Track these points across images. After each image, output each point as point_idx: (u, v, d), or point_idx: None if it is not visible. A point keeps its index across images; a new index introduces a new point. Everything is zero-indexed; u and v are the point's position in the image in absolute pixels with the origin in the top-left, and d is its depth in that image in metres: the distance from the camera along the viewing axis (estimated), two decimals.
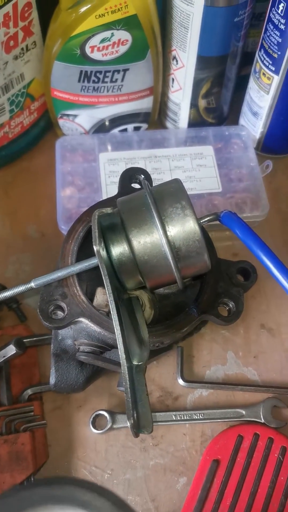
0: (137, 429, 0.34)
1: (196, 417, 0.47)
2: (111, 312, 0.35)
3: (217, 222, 0.54)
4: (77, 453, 0.46)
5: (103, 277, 0.36)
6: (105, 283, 0.36)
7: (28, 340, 0.48)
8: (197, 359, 0.50)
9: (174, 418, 0.47)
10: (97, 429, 0.46)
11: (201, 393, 0.49)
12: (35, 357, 0.49)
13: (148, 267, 0.39)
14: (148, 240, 0.38)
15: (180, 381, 0.49)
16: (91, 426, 0.46)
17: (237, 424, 0.47)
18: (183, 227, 0.38)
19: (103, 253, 0.37)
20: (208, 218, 0.41)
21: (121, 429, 0.47)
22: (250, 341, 0.52)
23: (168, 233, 0.38)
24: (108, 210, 0.39)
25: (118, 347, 0.35)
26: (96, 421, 0.47)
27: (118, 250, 0.38)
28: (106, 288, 0.35)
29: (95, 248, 0.36)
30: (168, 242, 0.37)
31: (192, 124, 0.61)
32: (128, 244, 0.38)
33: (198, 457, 0.46)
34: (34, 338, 0.48)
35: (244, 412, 0.47)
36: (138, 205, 0.39)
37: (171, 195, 0.39)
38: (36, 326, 0.50)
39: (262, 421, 0.47)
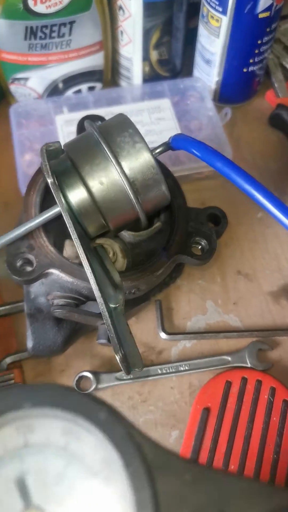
0: (128, 366, 0.33)
1: (182, 369, 0.46)
2: (78, 252, 0.34)
3: (182, 174, 0.53)
4: None
5: (63, 214, 0.34)
6: (65, 220, 0.34)
7: (1, 309, 0.46)
8: (177, 311, 0.49)
9: (160, 372, 0.46)
10: (82, 391, 0.45)
11: (185, 344, 0.48)
12: (11, 327, 0.47)
13: (107, 203, 0.37)
14: (102, 174, 0.37)
15: (162, 335, 0.47)
16: (75, 389, 0.45)
17: (224, 371, 0.46)
18: (135, 155, 0.37)
19: (61, 198, 0.36)
20: (160, 149, 0.40)
21: (106, 389, 0.45)
22: (228, 289, 0.51)
23: (121, 162, 0.36)
24: (56, 144, 0.37)
25: (93, 287, 0.33)
26: (81, 383, 0.45)
27: (75, 192, 0.37)
28: (67, 225, 0.34)
29: (48, 180, 0.34)
30: (123, 171, 0.36)
31: (146, 79, 0.60)
32: (82, 183, 0.37)
33: (188, 408, 0.45)
34: (7, 306, 0.46)
35: (230, 358, 0.47)
36: (86, 142, 0.38)
37: (117, 127, 0.38)
38: (9, 295, 0.48)
39: (249, 365, 0.46)
